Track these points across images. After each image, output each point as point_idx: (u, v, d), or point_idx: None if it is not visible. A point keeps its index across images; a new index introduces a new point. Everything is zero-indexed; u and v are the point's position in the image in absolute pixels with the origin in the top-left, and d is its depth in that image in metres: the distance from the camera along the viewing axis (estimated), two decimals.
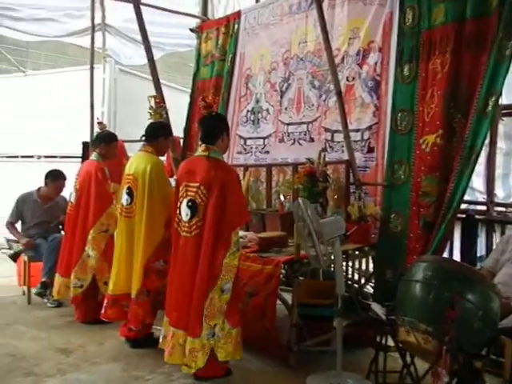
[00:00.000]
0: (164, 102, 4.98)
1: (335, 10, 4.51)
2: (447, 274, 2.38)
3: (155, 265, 3.40)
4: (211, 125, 3.09)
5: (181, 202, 2.95)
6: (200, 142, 5.45)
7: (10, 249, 7.35)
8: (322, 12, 3.78)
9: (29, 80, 7.66)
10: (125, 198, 3.51)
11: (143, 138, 3.66)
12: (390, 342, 2.77)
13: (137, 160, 3.55)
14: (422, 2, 3.73)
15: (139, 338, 3.48)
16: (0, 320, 4.02)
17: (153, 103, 3.83)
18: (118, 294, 3.48)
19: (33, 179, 6.51)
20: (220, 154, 3.03)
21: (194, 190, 2.88)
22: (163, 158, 6.41)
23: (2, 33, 6.35)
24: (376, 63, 4.14)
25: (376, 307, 3.05)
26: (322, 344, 3.39)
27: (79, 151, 6.44)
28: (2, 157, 8.14)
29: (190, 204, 2.89)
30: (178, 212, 2.97)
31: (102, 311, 3.55)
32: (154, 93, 5.09)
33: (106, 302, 3.55)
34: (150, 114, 3.85)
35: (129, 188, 3.49)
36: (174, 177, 5.86)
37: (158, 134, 3.61)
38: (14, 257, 4.78)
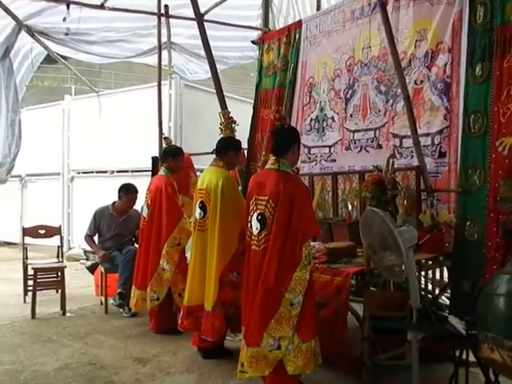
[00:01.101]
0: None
1: (400, 12, 4.39)
2: None
3: (229, 277, 3.44)
4: (282, 137, 3.07)
5: (251, 216, 2.96)
6: (265, 154, 5.60)
7: (87, 259, 7.80)
8: (386, 15, 3.70)
9: (101, 99, 8.06)
10: (198, 212, 3.58)
11: (214, 152, 3.73)
12: (471, 357, 2.63)
13: (209, 175, 3.61)
14: None
15: (211, 349, 3.52)
16: (81, 329, 4.24)
17: (224, 119, 3.87)
18: (193, 305, 3.55)
19: (107, 194, 6.88)
20: (289, 166, 3.01)
21: (264, 203, 2.89)
22: None
23: (77, 57, 6.72)
24: (445, 64, 3.98)
25: (454, 320, 2.91)
26: (395, 358, 3.27)
27: (149, 165, 6.71)
28: (79, 173, 8.63)
29: (259, 217, 2.90)
30: (249, 226, 2.99)
31: (179, 322, 3.65)
32: (218, 105, 5.21)
33: (181, 313, 3.65)
34: (221, 130, 3.92)
35: (202, 202, 3.56)
36: (240, 188, 5.98)
37: (228, 148, 3.68)
38: (92, 269, 5.02)
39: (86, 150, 8.29)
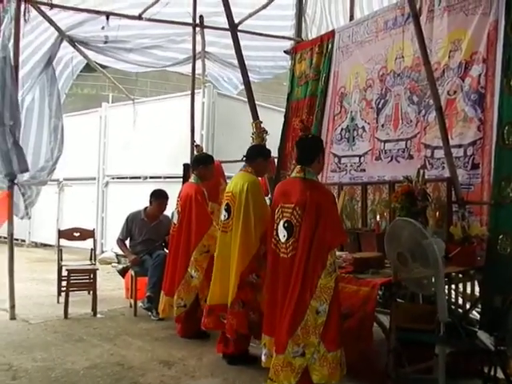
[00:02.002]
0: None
1: (434, 22, 4.37)
2: None
3: (249, 278, 3.49)
4: (308, 147, 3.11)
5: (277, 224, 3.00)
6: (295, 163, 5.63)
7: (118, 263, 7.98)
8: (419, 26, 3.68)
9: (137, 107, 8.27)
10: (223, 214, 3.70)
11: (244, 159, 3.81)
12: (499, 374, 2.57)
13: (236, 179, 3.72)
14: None
15: (236, 355, 3.55)
16: (111, 330, 4.34)
17: (255, 129, 3.97)
18: (214, 304, 3.62)
19: (140, 199, 7.03)
20: (315, 175, 3.04)
21: (290, 211, 2.92)
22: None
23: (115, 66, 6.92)
24: (480, 75, 3.93)
25: (483, 336, 2.85)
26: (422, 372, 3.22)
27: (181, 172, 6.84)
28: (113, 178, 8.85)
29: (286, 225, 2.93)
30: (275, 233, 3.02)
31: (202, 321, 3.70)
32: (249, 114, 5.27)
33: (204, 312, 3.72)
34: (252, 139, 4.00)
35: (227, 204, 3.67)
36: (269, 195, 6.01)
37: (257, 155, 3.76)
38: (122, 272, 5.14)
39: (120, 156, 8.51)
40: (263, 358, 3.10)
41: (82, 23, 5.80)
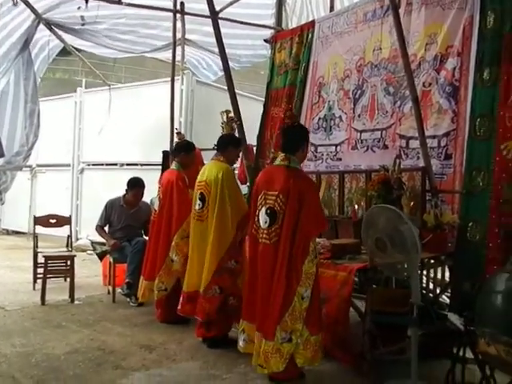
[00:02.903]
0: (239, 112, 5.19)
1: (411, 15, 4.46)
2: None
3: (227, 264, 3.58)
4: (293, 135, 3.19)
5: (259, 210, 3.06)
6: (274, 151, 5.70)
7: (94, 250, 7.92)
8: (398, 18, 3.77)
9: (113, 93, 8.17)
10: (198, 203, 3.78)
11: (215, 148, 3.91)
12: (467, 354, 2.71)
13: (209, 168, 3.81)
14: (505, 5, 3.63)
15: (217, 338, 3.63)
16: (89, 316, 4.34)
17: (225, 118, 4.03)
18: (192, 291, 3.71)
19: (116, 186, 6.99)
20: (299, 163, 3.12)
21: (273, 198, 2.99)
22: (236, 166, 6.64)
23: (93, 51, 6.82)
24: (454, 68, 4.05)
25: (453, 317, 3.00)
26: (395, 353, 3.36)
27: (158, 159, 6.82)
28: (89, 165, 8.75)
29: (268, 212, 3.00)
30: (256, 219, 3.09)
31: (179, 307, 3.80)
32: (228, 102, 5.30)
33: (181, 298, 3.80)
34: (222, 128, 4.07)
35: (201, 194, 3.75)
36: (247, 183, 6.07)
37: (227, 144, 3.85)
38: (101, 256, 5.14)
39: (96, 142, 8.40)
40: (241, 343, 3.18)
41: (58, 5, 5.70)
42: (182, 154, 4.44)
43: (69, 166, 8.89)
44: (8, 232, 10.15)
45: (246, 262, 3.41)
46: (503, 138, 3.51)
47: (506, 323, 2.29)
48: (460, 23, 4.05)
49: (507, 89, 3.56)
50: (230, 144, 3.86)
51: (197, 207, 3.78)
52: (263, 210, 3.03)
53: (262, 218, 3.02)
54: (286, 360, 2.89)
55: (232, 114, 4.10)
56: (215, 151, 3.95)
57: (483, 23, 3.80)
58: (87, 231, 8.06)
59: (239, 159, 4.66)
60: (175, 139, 4.94)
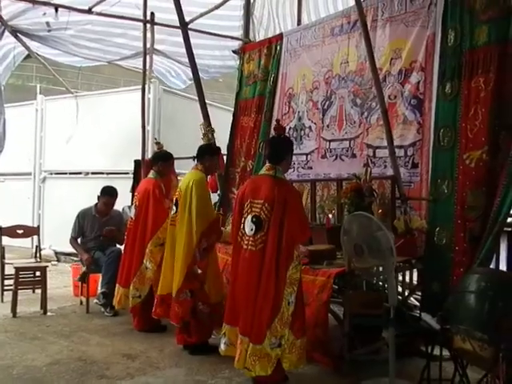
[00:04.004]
0: (209, 122, 5.31)
1: (376, 32, 4.68)
2: (501, 283, 2.51)
3: (194, 269, 3.67)
4: (280, 146, 3.32)
5: (245, 218, 3.16)
6: (244, 160, 5.82)
7: (58, 261, 7.76)
8: (368, 34, 3.98)
9: (78, 100, 8.05)
10: (173, 208, 3.95)
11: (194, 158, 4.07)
12: (437, 352, 2.90)
13: (187, 176, 3.98)
14: (464, 24, 3.87)
15: (198, 345, 3.69)
16: (65, 327, 4.30)
17: (203, 129, 4.29)
18: (165, 293, 3.84)
19: (81, 195, 6.91)
20: (283, 173, 3.24)
21: (259, 206, 3.10)
22: None
23: (58, 59, 6.72)
24: (418, 82, 4.28)
25: (427, 317, 3.19)
26: (370, 353, 3.53)
27: (125, 168, 6.82)
28: (51, 173, 8.56)
29: (254, 220, 3.10)
30: (242, 227, 3.18)
31: (153, 310, 3.90)
32: (195, 111, 5.41)
33: (155, 301, 3.92)
34: (202, 139, 4.31)
35: (176, 200, 3.92)
36: (218, 192, 6.15)
37: (203, 153, 4.00)
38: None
39: (59, 151, 8.24)
40: (222, 346, 3.23)
41: (24, 11, 5.61)
42: (160, 163, 4.50)
43: (30, 174, 8.68)
44: None
45: (230, 267, 3.46)
46: (466, 148, 3.75)
47: (478, 320, 2.48)
48: (423, 40, 4.29)
49: (468, 102, 3.80)
50: (205, 153, 3.99)
51: (172, 212, 3.95)
52: (249, 217, 3.13)
53: (248, 226, 3.12)
54: (273, 364, 2.99)
55: (221, 129, 4.29)
56: (186, 160, 4.11)
57: (444, 40, 4.04)
58: (50, 241, 7.89)
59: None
60: (155, 148, 4.97)
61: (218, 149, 4.30)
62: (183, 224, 3.74)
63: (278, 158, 3.24)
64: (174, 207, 3.91)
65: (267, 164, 3.26)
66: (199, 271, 3.66)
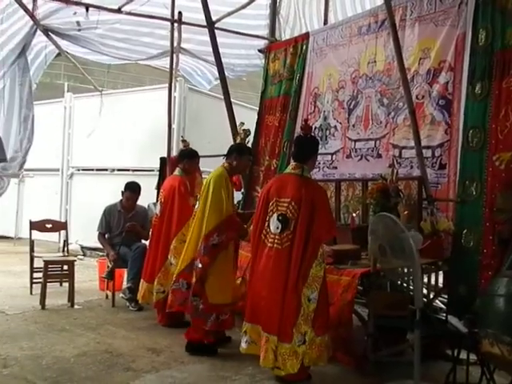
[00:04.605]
0: (235, 121, 5.34)
1: (405, 31, 4.64)
2: None
3: (196, 263, 3.65)
4: (306, 146, 3.34)
5: (270, 216, 3.18)
6: (269, 158, 5.83)
7: (84, 255, 7.90)
8: (396, 33, 3.96)
9: (105, 98, 8.18)
10: (197, 205, 3.94)
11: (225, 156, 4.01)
12: (463, 356, 2.87)
13: (213, 171, 3.95)
14: (496, 24, 3.82)
15: (192, 344, 3.66)
16: (92, 320, 4.39)
17: (240, 130, 4.24)
18: None
19: (106, 191, 7.03)
20: (309, 172, 3.26)
21: (285, 205, 3.12)
22: None
23: (88, 58, 6.85)
24: (447, 82, 4.23)
25: (453, 320, 3.15)
26: (394, 355, 3.51)
27: (150, 165, 6.92)
28: (78, 170, 8.73)
29: (280, 218, 3.12)
30: (266, 225, 3.20)
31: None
32: (220, 109, 5.41)
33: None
34: (234, 139, 4.31)
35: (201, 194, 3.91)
36: (242, 190, 6.18)
37: (232, 151, 3.96)
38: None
39: (86, 147, 8.40)
40: (244, 344, 3.25)
41: (56, 11, 5.74)
42: (186, 160, 4.55)
43: (58, 170, 8.86)
44: None
45: (251, 265, 3.44)
46: (495, 150, 3.69)
47: (507, 325, 2.45)
48: (452, 39, 4.24)
49: (498, 103, 3.75)
50: (234, 152, 3.95)
51: (196, 206, 3.97)
52: (275, 216, 3.15)
53: (274, 224, 3.14)
54: (300, 361, 3.01)
55: (245, 127, 4.23)
56: (210, 158, 4.06)
57: (475, 40, 4.00)
58: (77, 236, 8.05)
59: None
60: (180, 146, 5.02)
61: (249, 150, 4.22)
62: (197, 217, 3.79)
63: (305, 157, 3.25)
64: (198, 202, 3.96)
65: (293, 163, 3.27)
66: (199, 265, 3.59)
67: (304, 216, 3.04)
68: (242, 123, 4.28)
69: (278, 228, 3.11)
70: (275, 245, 3.12)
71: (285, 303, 3.04)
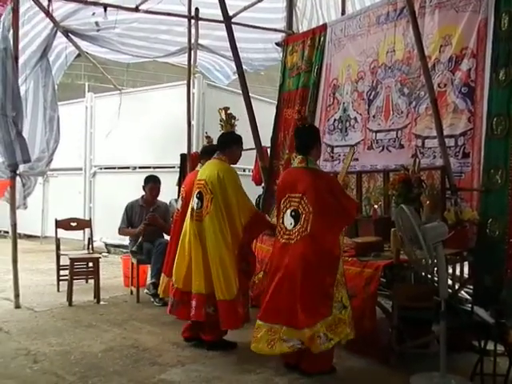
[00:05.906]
0: (254, 116, 5.29)
1: (425, 18, 4.57)
2: None
3: (241, 266, 3.56)
4: (306, 136, 3.33)
5: (284, 213, 3.19)
6: (288, 152, 5.81)
7: (108, 252, 8.02)
8: (416, 21, 3.89)
9: (125, 97, 8.26)
10: (195, 202, 3.64)
11: (217, 147, 3.84)
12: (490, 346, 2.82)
13: (209, 167, 3.69)
14: None
15: (215, 342, 3.62)
16: (117, 316, 4.46)
17: (223, 115, 3.89)
18: (186, 291, 3.61)
19: (129, 189, 7.11)
20: (315, 162, 3.26)
21: (297, 200, 3.12)
22: (250, 167, 6.76)
23: (106, 57, 6.93)
24: (470, 69, 4.16)
25: (479, 311, 3.11)
26: (419, 347, 3.47)
27: (171, 162, 6.98)
28: (101, 168, 8.86)
29: (293, 214, 3.13)
30: (281, 222, 3.21)
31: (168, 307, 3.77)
32: (239, 105, 5.35)
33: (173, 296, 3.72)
34: (222, 126, 3.93)
35: (199, 193, 3.62)
36: (263, 184, 6.17)
37: (229, 142, 3.75)
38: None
39: (108, 146, 8.51)
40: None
41: (75, 12, 5.81)
42: (208, 157, 4.53)
43: (81, 169, 9.00)
44: (20, 236, 10.19)
45: (270, 263, 3.44)
46: None
47: None
48: (474, 25, 4.16)
49: None
50: (233, 142, 3.74)
51: (195, 206, 3.64)
52: (288, 212, 3.15)
53: (288, 220, 3.14)
54: (350, 325, 3.03)
55: (230, 111, 3.97)
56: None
57: (498, 25, 3.91)
58: (100, 234, 8.17)
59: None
60: (204, 142, 5.04)
61: (240, 138, 3.88)
62: (215, 219, 3.47)
63: (307, 147, 3.25)
64: (198, 201, 3.61)
65: (298, 156, 3.27)
66: (248, 266, 3.60)
67: (316, 209, 3.03)
68: (227, 107, 4.00)
69: (291, 224, 3.11)
70: (291, 241, 3.10)
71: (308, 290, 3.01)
